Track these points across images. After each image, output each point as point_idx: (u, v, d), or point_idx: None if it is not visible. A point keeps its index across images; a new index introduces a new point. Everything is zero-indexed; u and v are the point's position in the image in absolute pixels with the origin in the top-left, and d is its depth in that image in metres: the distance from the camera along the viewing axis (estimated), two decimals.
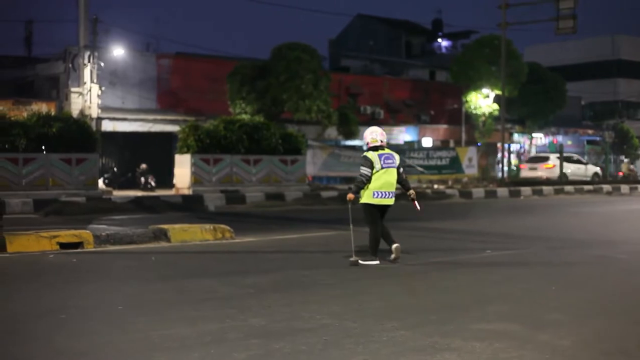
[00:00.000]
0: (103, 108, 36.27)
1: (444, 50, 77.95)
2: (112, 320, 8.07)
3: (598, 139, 61.19)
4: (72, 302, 8.98)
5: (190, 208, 25.21)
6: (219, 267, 12.08)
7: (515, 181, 42.24)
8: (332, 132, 42.07)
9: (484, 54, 45.93)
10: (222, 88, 38.47)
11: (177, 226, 15.80)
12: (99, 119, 35.84)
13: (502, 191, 36.22)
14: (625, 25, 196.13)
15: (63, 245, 13.74)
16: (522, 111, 51.43)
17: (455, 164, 40.03)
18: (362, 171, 12.11)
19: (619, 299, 9.69)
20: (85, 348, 7.02)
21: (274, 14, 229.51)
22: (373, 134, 12.39)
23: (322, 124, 39.25)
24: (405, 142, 48.27)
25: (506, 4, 41.44)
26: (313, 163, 35.69)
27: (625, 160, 58.59)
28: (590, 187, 40.91)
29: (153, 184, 34.44)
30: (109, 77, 38.23)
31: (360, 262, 12.21)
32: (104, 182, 33.03)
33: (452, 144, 49.31)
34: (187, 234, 15.48)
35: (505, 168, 45.36)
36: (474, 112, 47.29)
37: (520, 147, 56.37)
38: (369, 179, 12.08)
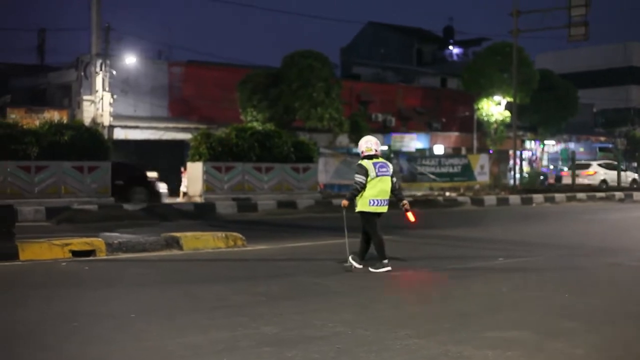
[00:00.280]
0: (115, 116, 36.35)
1: (455, 57, 77.93)
2: (124, 328, 8.07)
3: (610, 146, 61.04)
4: (85, 310, 8.99)
5: (202, 216, 25.20)
6: (231, 275, 12.08)
7: (527, 188, 42.12)
8: (343, 139, 42.11)
9: (495, 61, 45.86)
10: (234, 96, 38.52)
11: (189, 234, 15.80)
12: (111, 127, 35.92)
13: (514, 198, 36.10)
14: (638, 32, 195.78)
15: (75, 253, 13.76)
16: (533, 118, 51.34)
17: (467, 172, 39.99)
18: (357, 179, 12.27)
19: (632, 306, 9.64)
20: (97, 356, 7.03)
21: (285, 22, 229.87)
22: (368, 143, 12.56)
23: (333, 131, 39.25)
24: (417, 150, 48.24)
25: (517, 11, 41.41)
26: (325, 171, 35.71)
27: None
28: (602, 194, 40.74)
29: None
30: (121, 85, 38.34)
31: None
32: None
33: (463, 152, 49.24)
34: (199, 241, 15.48)
35: (517, 175, 45.27)
36: (485, 119, 47.21)
37: (532, 154, 56.23)
38: (363, 187, 12.24)
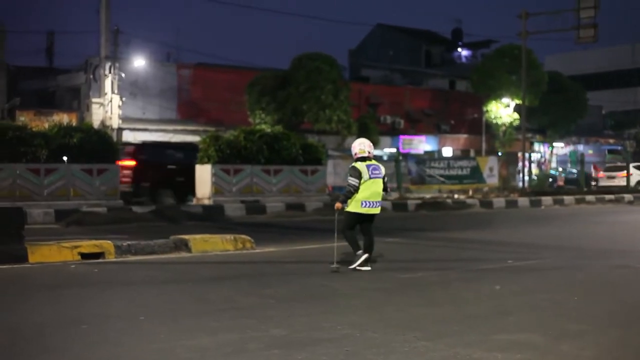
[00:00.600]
0: (124, 118, 36.47)
1: (464, 59, 77.89)
2: (133, 330, 8.08)
3: (619, 148, 60.91)
4: (94, 312, 9.00)
5: (210, 218, 25.22)
6: (239, 277, 12.09)
7: (535, 191, 42.07)
8: (352, 142, 42.04)
9: (504, 64, 45.84)
10: (242, 98, 38.58)
11: (198, 236, 15.81)
12: (120, 130, 36.03)
13: (523, 201, 36.07)
14: None
15: (84, 256, 13.78)
16: (542, 120, 51.29)
17: (476, 174, 39.92)
18: (350, 181, 12.51)
19: None
20: (106, 358, 7.04)
21: (294, 25, 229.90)
22: (361, 146, 12.86)
23: (341, 134, 39.27)
24: (425, 152, 48.23)
25: (526, 13, 41.39)
26: (334, 173, 35.69)
27: None
28: (611, 196, 40.66)
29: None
30: (129, 88, 38.46)
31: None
32: None
33: (472, 154, 49.20)
34: (208, 244, 15.50)
35: (526, 177, 45.22)
36: (494, 121, 47.17)
37: (541, 157, 56.16)
38: (357, 190, 12.45)
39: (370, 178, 12.51)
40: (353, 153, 12.90)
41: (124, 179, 27.97)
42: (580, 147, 58.41)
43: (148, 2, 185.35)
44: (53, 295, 10.26)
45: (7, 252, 13.09)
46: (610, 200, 39.40)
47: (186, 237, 15.60)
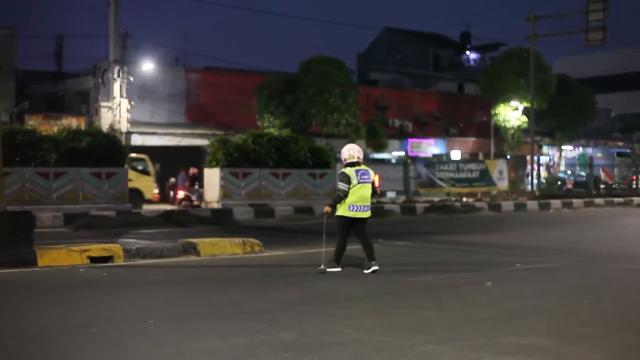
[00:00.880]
0: (132, 122, 36.49)
1: (472, 62, 77.77)
2: (143, 334, 8.09)
3: (628, 150, 60.74)
4: (103, 316, 9.01)
5: (219, 222, 25.24)
6: (248, 281, 12.09)
7: (544, 194, 42.00)
8: (360, 145, 42.00)
9: (512, 66, 45.70)
10: (250, 102, 38.55)
11: (206, 240, 15.84)
12: (129, 133, 36.05)
13: (532, 204, 36.03)
14: None
15: (93, 259, 13.82)
16: (551, 123, 51.14)
17: (485, 177, 39.83)
18: (340, 186, 12.73)
19: None
20: None
21: (302, 28, 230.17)
22: (350, 151, 13.00)
23: (350, 137, 39.24)
24: (434, 155, 48.16)
25: (534, 16, 41.29)
26: None
27: None
28: (620, 199, 40.60)
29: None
30: (138, 92, 38.48)
31: (326, 269, 12.79)
32: None
33: (481, 157, 49.12)
34: (216, 247, 15.52)
35: (535, 180, 45.12)
36: (502, 124, 47.07)
37: (550, 160, 56.04)
38: (346, 194, 12.66)
39: (359, 183, 12.70)
40: (342, 159, 13.14)
41: None
42: (589, 150, 58.27)
43: (157, 6, 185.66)
44: (62, 298, 10.29)
45: (17, 256, 13.15)
46: (619, 204, 39.33)
47: (195, 240, 15.62)
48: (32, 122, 34.49)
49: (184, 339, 7.81)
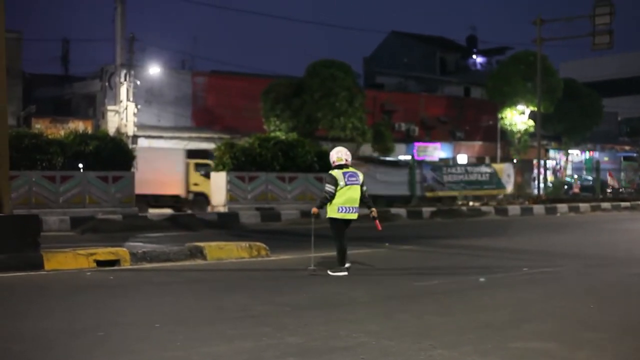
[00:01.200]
0: (139, 126, 36.55)
1: (478, 66, 77.75)
2: (149, 337, 8.08)
3: (635, 154, 60.65)
4: (110, 319, 9.01)
5: (225, 226, 25.25)
6: (254, 285, 12.09)
7: (550, 198, 41.95)
8: (366, 149, 42.08)
9: (519, 70, 45.72)
10: (257, 106, 38.61)
11: (213, 244, 15.84)
12: (135, 137, 36.11)
13: (538, 208, 35.98)
14: None
15: (100, 263, 13.83)
16: (558, 127, 51.14)
17: (495, 180, 39.84)
18: (326, 188, 12.99)
19: None
20: None
21: (309, 32, 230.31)
22: (339, 154, 13.25)
23: (356, 141, 39.25)
24: (440, 159, 48.14)
25: (541, 20, 41.27)
26: None
27: None
28: (627, 203, 40.54)
29: None
30: (144, 95, 38.56)
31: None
32: None
33: (487, 161, 49.10)
34: (223, 251, 15.52)
35: (542, 184, 45.08)
36: (509, 128, 47.07)
37: (556, 164, 55.98)
38: (332, 196, 12.87)
39: (346, 185, 12.89)
40: (331, 161, 13.31)
41: None
42: (596, 154, 58.20)
43: (163, 10, 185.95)
44: (68, 302, 10.29)
45: (23, 259, 13.17)
46: (626, 208, 39.26)
47: (201, 244, 15.63)
48: (39, 125, 34.59)
49: (190, 342, 7.80)
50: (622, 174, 53.50)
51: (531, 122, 46.01)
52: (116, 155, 27.16)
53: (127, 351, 7.49)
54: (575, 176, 54.85)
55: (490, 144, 51.32)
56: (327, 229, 13.44)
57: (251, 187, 29.91)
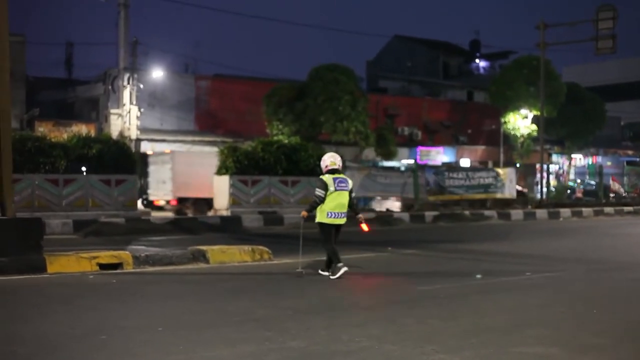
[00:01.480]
0: (142, 129, 36.58)
1: (481, 70, 77.77)
2: (152, 341, 8.09)
3: (638, 159, 60.61)
4: (112, 323, 9.02)
5: (228, 229, 25.24)
6: (257, 289, 12.10)
7: (553, 202, 41.92)
8: (369, 153, 42.11)
9: (522, 75, 45.69)
10: (260, 109, 38.62)
11: (215, 247, 15.85)
12: (138, 140, 36.15)
13: (541, 213, 35.96)
14: None
15: (103, 266, 13.84)
16: (561, 132, 51.10)
17: (498, 183, 39.77)
18: (316, 193, 13.28)
19: None
20: None
21: (312, 36, 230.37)
22: (332, 158, 13.60)
23: (359, 145, 39.26)
24: (443, 163, 48.12)
25: (544, 24, 41.24)
26: None
27: None
28: (630, 208, 40.52)
29: None
30: (147, 99, 38.59)
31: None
32: (142, 203, 33.22)
33: (490, 165, 49.08)
34: (225, 255, 15.53)
35: (544, 189, 45.06)
36: (512, 132, 47.07)
37: (559, 168, 55.97)
38: (322, 200, 13.13)
39: (335, 190, 13.16)
40: (324, 166, 13.55)
41: None
42: (599, 159, 58.18)
43: (166, 14, 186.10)
44: (71, 305, 10.30)
45: (26, 262, 13.18)
46: (629, 212, 39.24)
47: (204, 248, 15.64)
48: (42, 128, 34.63)
49: (192, 346, 7.81)
50: (625, 178, 53.43)
51: (534, 127, 46.01)
52: (119, 158, 27.17)
53: (130, 355, 7.50)
54: (578, 181, 54.82)
55: (493, 148, 51.33)
56: (317, 232, 13.54)
57: (254, 191, 29.93)
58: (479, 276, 12.26)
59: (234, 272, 14.13)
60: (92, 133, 33.35)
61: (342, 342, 8.07)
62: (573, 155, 56.08)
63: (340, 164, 13.59)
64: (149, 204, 35.13)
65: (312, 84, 37.51)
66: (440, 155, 49.15)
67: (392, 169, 41.78)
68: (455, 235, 24.85)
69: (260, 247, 16.20)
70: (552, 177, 51.84)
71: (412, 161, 42.10)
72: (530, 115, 46.27)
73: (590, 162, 57.91)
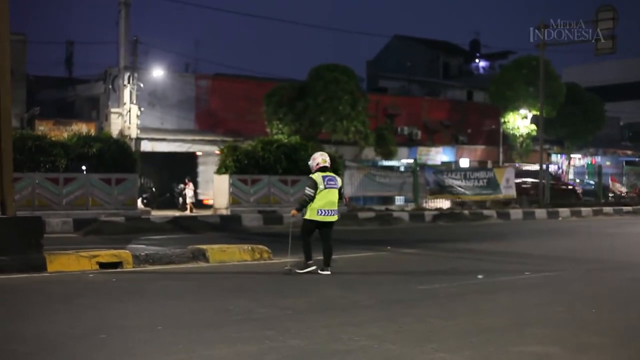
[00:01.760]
0: (142, 128, 36.56)
1: (481, 70, 77.74)
2: (152, 340, 8.11)
3: (637, 159, 60.59)
4: (112, 322, 9.03)
5: (228, 228, 25.27)
6: (257, 288, 12.11)
7: (552, 202, 41.90)
8: (369, 152, 42.11)
9: (521, 75, 45.70)
10: (260, 109, 38.59)
11: (215, 246, 15.87)
12: (138, 140, 36.13)
13: (540, 212, 35.97)
14: None
15: (102, 265, 13.85)
16: (560, 132, 51.08)
17: (492, 185, 39.77)
18: (306, 191, 13.61)
19: None
20: None
21: (312, 36, 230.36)
22: (322, 156, 14.05)
23: (359, 144, 39.26)
24: (443, 163, 48.10)
25: (544, 25, 41.23)
26: (350, 184, 35.64)
27: None
28: (629, 208, 40.53)
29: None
30: (148, 98, 38.55)
31: (297, 271, 13.58)
32: (142, 202, 33.24)
33: (489, 165, 49.08)
34: (225, 254, 15.55)
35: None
36: (511, 132, 47.08)
37: (559, 168, 55.96)
38: (312, 198, 13.46)
39: (325, 188, 13.51)
40: (315, 163, 13.92)
41: None
42: (598, 159, 58.18)
43: (167, 13, 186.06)
44: (71, 304, 10.31)
45: (26, 261, 13.19)
46: (628, 212, 39.25)
47: (204, 247, 15.66)
48: (43, 127, 34.62)
49: (192, 345, 7.83)
50: (624, 178, 53.39)
51: (533, 127, 46.02)
52: (119, 157, 27.19)
53: (129, 354, 7.52)
54: (578, 180, 54.81)
55: (493, 148, 51.34)
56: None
57: (254, 190, 29.95)
58: (480, 276, 12.26)
59: (234, 271, 14.14)
60: (93, 132, 33.32)
61: (341, 341, 8.08)
62: (572, 155, 56.09)
63: (329, 162, 13.94)
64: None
65: (312, 84, 37.48)
66: (439, 155, 49.15)
67: (391, 168, 41.84)
68: (455, 234, 24.86)
69: (260, 246, 16.22)
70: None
71: (411, 161, 42.06)
72: (530, 115, 46.29)
73: (589, 162, 57.91)
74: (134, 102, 35.73)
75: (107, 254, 14.22)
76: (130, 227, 23.41)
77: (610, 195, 49.64)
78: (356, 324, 9.06)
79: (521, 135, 46.86)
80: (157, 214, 29.94)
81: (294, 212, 13.95)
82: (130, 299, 10.88)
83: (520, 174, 43.56)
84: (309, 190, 13.50)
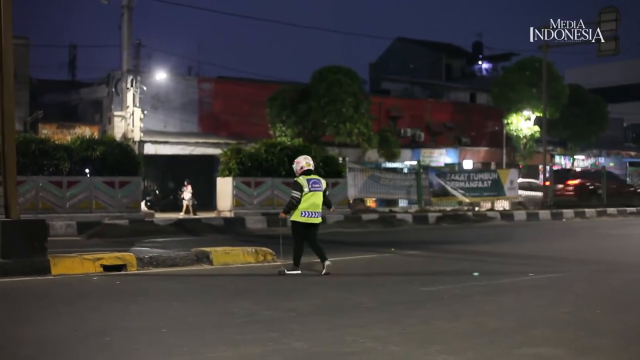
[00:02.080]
0: (145, 131, 36.57)
1: (484, 72, 77.68)
2: (156, 342, 8.11)
3: None
4: (116, 324, 9.04)
5: (231, 230, 25.28)
6: (260, 290, 12.11)
7: (556, 203, 41.89)
8: (372, 154, 42.12)
9: (524, 76, 45.67)
10: (263, 112, 38.62)
11: (219, 249, 15.87)
12: (142, 143, 36.13)
13: (544, 213, 35.95)
14: None
15: (107, 268, 13.86)
16: (563, 133, 51.07)
17: (496, 187, 39.75)
18: (292, 194, 13.91)
19: None
20: None
21: (315, 38, 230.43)
22: (306, 160, 14.38)
23: (362, 146, 39.25)
24: (446, 165, 48.10)
25: (544, 25, 41.15)
26: (354, 186, 35.64)
27: None
28: (633, 209, 40.49)
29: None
30: (151, 101, 38.57)
31: (286, 272, 13.84)
32: (146, 204, 33.26)
33: (493, 166, 49.05)
34: (229, 256, 15.56)
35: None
36: (514, 134, 47.05)
37: (562, 169, 55.91)
38: (298, 201, 13.75)
39: (310, 191, 13.80)
40: (299, 167, 14.23)
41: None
42: (602, 160, 58.13)
43: (170, 16, 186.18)
44: (75, 307, 10.32)
45: (30, 264, 13.21)
46: (631, 213, 39.20)
47: (207, 249, 15.66)
48: (46, 131, 34.66)
49: (196, 347, 7.83)
50: (628, 179, 53.32)
51: (537, 128, 46.00)
52: (122, 160, 27.21)
53: (133, 356, 7.52)
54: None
55: (496, 150, 51.33)
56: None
57: (257, 193, 29.96)
58: (476, 274, 12.24)
59: (238, 274, 14.15)
60: (96, 135, 33.38)
61: (346, 343, 8.08)
62: (575, 157, 56.05)
63: (313, 166, 14.30)
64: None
65: (315, 86, 37.49)
66: (443, 157, 49.14)
67: (395, 170, 41.85)
68: (459, 236, 24.84)
69: (264, 249, 16.22)
70: None
71: (414, 162, 42.04)
72: (533, 116, 46.24)
73: (593, 163, 57.86)
74: (137, 105, 35.73)
75: (111, 257, 14.23)
76: (134, 230, 23.43)
77: None
78: (360, 325, 9.05)
79: (524, 137, 46.82)
80: (160, 216, 29.95)
81: (282, 214, 14.23)
82: (134, 301, 10.89)
83: (575, 175, 48.02)
84: (295, 193, 13.80)
